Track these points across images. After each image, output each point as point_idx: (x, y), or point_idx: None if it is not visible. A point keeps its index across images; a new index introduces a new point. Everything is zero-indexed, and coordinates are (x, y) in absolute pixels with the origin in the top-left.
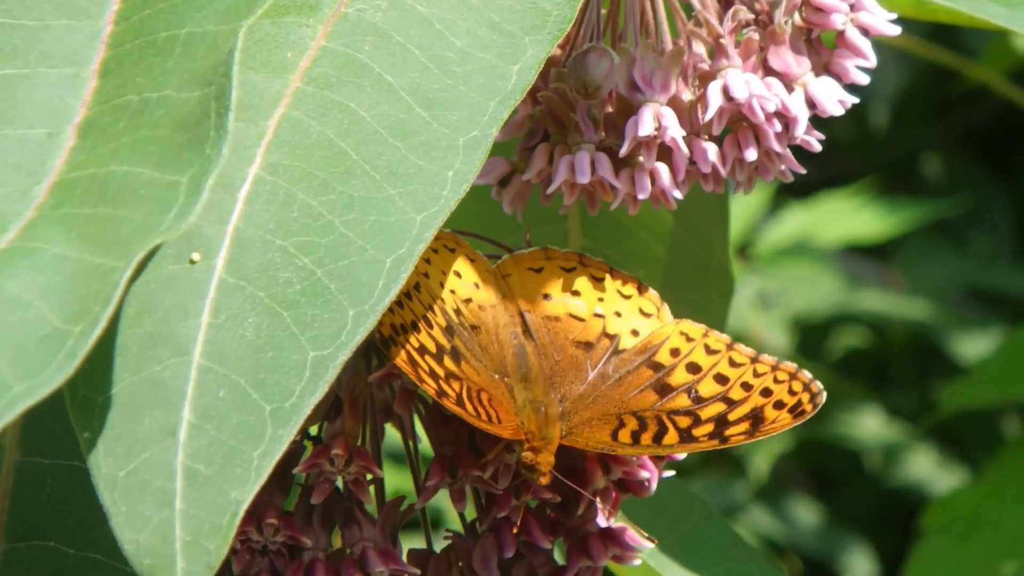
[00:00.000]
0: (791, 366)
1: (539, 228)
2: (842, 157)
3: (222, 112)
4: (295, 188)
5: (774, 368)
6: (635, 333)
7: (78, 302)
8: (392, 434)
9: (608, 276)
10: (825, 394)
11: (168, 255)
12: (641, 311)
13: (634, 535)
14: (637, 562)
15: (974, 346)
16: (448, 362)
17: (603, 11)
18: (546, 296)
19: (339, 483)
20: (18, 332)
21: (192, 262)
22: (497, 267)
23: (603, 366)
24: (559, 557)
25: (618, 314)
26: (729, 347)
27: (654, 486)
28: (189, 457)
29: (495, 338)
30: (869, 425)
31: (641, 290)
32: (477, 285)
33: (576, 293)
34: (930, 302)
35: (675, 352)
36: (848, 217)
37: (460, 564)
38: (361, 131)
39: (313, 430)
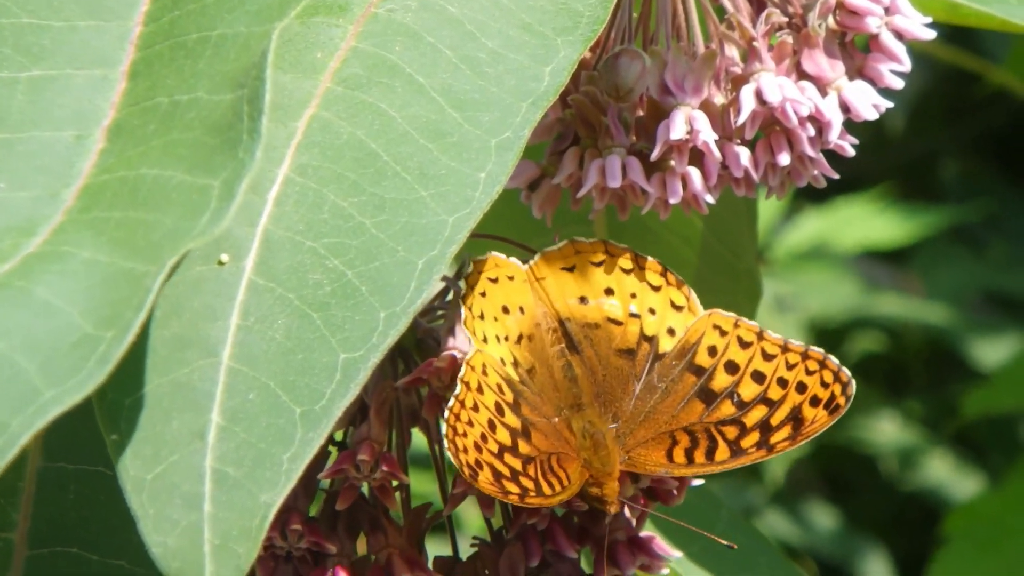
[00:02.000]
0: (818, 352)
1: (566, 231)
2: (858, 162)
3: (255, 115)
4: (325, 189)
5: (804, 356)
6: (671, 332)
7: (109, 307)
8: (416, 440)
9: (635, 266)
10: (854, 384)
11: (196, 256)
12: (673, 304)
13: (662, 544)
14: (665, 571)
15: (991, 351)
16: (522, 445)
17: (634, 14)
18: (582, 300)
19: (364, 489)
20: (48, 338)
21: (221, 263)
22: (530, 270)
23: (647, 375)
24: (586, 566)
25: (652, 311)
26: (760, 336)
27: (683, 494)
28: (218, 460)
29: (548, 367)
30: (885, 429)
31: (667, 277)
32: (522, 309)
33: (610, 292)
34: (947, 307)
35: (712, 351)
36: (865, 222)
37: (487, 572)
38: (392, 132)
39: (338, 435)
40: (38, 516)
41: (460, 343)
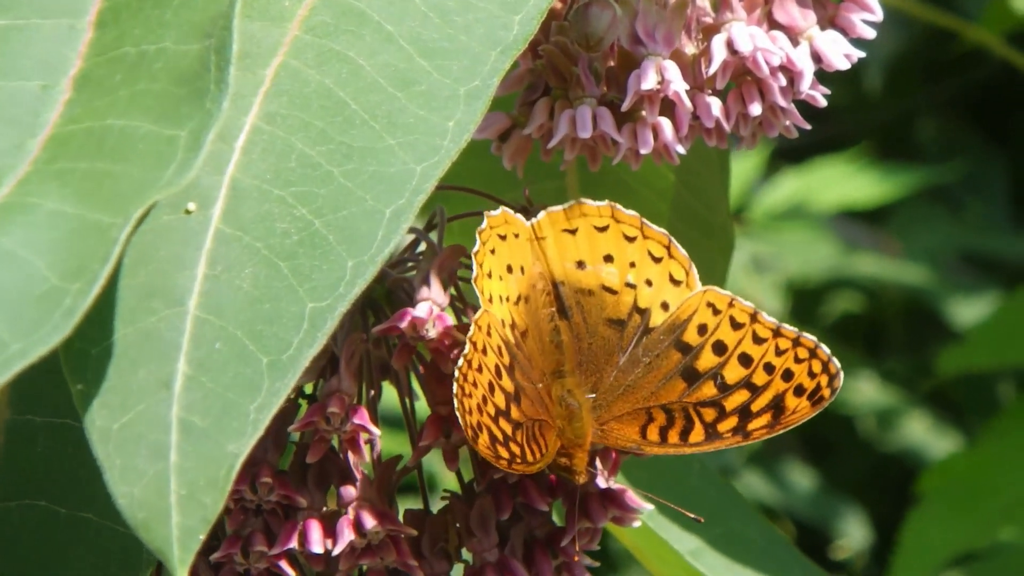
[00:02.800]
0: (811, 340)
1: (538, 184)
2: (836, 121)
3: (222, 65)
4: (293, 137)
5: (795, 343)
6: (665, 307)
7: (76, 259)
8: (388, 399)
9: (640, 234)
10: (842, 376)
11: (163, 205)
12: (671, 277)
13: (634, 496)
14: (636, 524)
15: (969, 311)
16: (513, 410)
17: None
18: (580, 264)
19: (335, 442)
20: (14, 290)
21: (188, 212)
22: (532, 227)
23: (633, 348)
24: (558, 518)
25: (649, 283)
26: (753, 318)
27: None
28: (184, 409)
29: (538, 330)
30: (863, 390)
31: (671, 250)
32: (523, 269)
33: (609, 259)
34: (925, 267)
35: (702, 329)
36: (843, 182)
37: (457, 525)
38: (360, 80)
39: (308, 388)
40: (7, 469)
41: (434, 294)
